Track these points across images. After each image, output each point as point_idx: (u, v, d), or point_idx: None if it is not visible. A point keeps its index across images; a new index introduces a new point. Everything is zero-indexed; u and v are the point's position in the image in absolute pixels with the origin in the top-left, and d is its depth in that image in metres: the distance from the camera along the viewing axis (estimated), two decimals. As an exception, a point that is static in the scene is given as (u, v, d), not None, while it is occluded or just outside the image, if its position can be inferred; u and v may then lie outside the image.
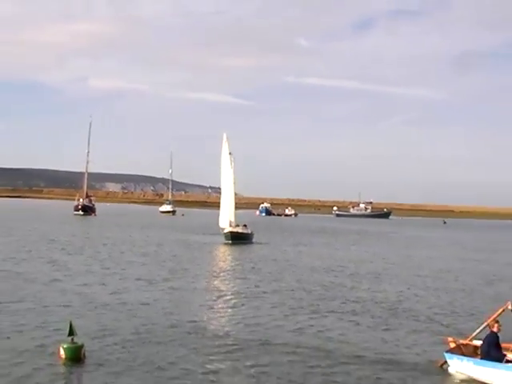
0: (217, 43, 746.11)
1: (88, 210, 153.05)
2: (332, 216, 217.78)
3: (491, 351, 20.83)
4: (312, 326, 29.50)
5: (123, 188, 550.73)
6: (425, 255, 72.01)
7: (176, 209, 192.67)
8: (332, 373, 21.41)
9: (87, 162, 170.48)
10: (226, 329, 28.33)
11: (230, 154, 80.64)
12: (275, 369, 21.70)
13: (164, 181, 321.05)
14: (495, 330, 21.05)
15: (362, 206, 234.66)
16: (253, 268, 53.00)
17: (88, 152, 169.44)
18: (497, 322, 21.21)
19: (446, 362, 21.77)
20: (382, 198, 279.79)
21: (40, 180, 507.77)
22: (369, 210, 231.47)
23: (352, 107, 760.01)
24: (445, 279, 49.50)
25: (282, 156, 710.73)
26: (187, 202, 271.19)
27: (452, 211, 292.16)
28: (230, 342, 25.39)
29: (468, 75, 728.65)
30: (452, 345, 22.26)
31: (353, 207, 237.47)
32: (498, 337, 21.13)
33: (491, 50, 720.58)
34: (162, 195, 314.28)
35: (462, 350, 21.82)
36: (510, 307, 21.22)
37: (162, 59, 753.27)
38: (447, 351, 21.88)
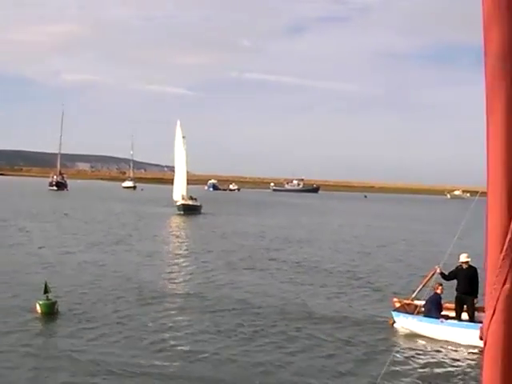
0: (173, 43, 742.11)
1: (61, 185, 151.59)
2: (269, 191, 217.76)
3: (433, 310, 20.99)
4: (253, 283, 29.77)
5: (92, 167, 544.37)
6: (349, 223, 73.01)
7: (136, 184, 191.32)
8: (288, 330, 21.21)
9: (60, 145, 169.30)
10: (176, 287, 28.60)
11: (183, 137, 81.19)
12: (228, 323, 21.81)
13: (126, 161, 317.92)
14: (439, 291, 21.09)
15: (295, 182, 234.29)
16: (200, 234, 53.61)
17: (61, 136, 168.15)
18: (440, 284, 21.23)
19: (394, 319, 21.67)
20: (312, 175, 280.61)
21: (20, 160, 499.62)
22: (301, 186, 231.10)
23: (288, 98, 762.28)
24: (369, 245, 50.01)
25: (228, 139, 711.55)
26: (146, 178, 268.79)
27: (373, 187, 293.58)
28: (182, 299, 25.56)
29: (384, 72, 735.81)
30: (397, 304, 22.18)
31: (287, 183, 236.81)
32: (440, 297, 21.24)
33: (404, 52, 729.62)
34: (124, 173, 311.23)
35: (406, 309, 21.77)
36: (438, 271, 21.22)
37: (127, 56, 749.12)
38: (394, 310, 21.86)
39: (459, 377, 17.32)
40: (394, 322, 21.65)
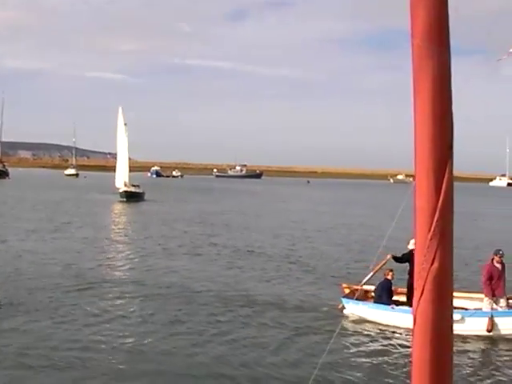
0: (114, 29, 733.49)
1: (2, 174, 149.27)
2: (212, 177, 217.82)
3: (383, 296, 20.92)
4: (196, 270, 29.64)
5: (34, 155, 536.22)
6: (290, 208, 73.40)
7: (79, 172, 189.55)
8: (227, 316, 21.03)
9: (0, 132, 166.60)
10: (115, 273, 28.38)
11: (124, 124, 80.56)
12: (165, 309, 21.68)
13: (69, 148, 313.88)
14: (389, 277, 21.08)
15: (237, 168, 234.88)
16: (141, 220, 53.33)
17: (1, 123, 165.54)
18: (391, 270, 21.17)
19: (343, 305, 21.50)
20: (256, 161, 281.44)
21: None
22: (243, 172, 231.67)
23: (230, 84, 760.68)
24: (310, 230, 50.32)
25: (171, 126, 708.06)
26: (89, 166, 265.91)
27: (315, 172, 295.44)
28: (120, 286, 25.32)
29: (327, 57, 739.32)
30: (346, 290, 21.94)
31: (230, 169, 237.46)
32: (391, 283, 21.21)
33: (346, 37, 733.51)
34: (67, 160, 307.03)
35: (356, 295, 21.30)
36: (388, 257, 21.25)
37: (69, 43, 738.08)
38: (343, 296, 21.63)
39: (410, 362, 17.44)
40: (343, 307, 21.53)
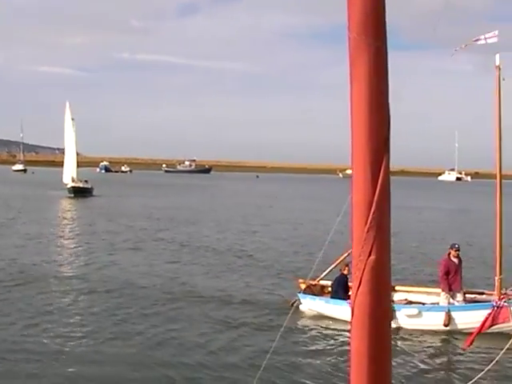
0: (62, 23, 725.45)
1: None
2: (162, 172, 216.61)
3: (340, 291, 20.71)
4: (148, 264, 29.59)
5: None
6: (238, 203, 73.43)
7: (27, 167, 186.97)
8: (174, 311, 20.91)
9: None
10: (59, 268, 27.99)
11: (72, 119, 79.65)
12: (110, 304, 21.50)
13: (17, 143, 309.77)
14: (346, 272, 20.76)
15: (187, 163, 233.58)
16: (88, 216, 52.83)
17: None
18: (347, 265, 20.74)
19: (298, 300, 21.11)
20: (205, 156, 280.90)
21: None
22: (193, 167, 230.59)
23: (180, 79, 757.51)
24: (256, 224, 50.37)
25: (120, 120, 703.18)
26: (37, 161, 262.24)
27: (265, 167, 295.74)
28: (64, 281, 25.08)
29: (279, 51, 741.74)
30: (303, 286, 21.63)
31: (179, 164, 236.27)
32: (347, 278, 20.81)
33: (299, 32, 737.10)
34: (15, 156, 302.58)
35: (312, 290, 21.43)
36: (349, 252, 21.14)
37: (16, 37, 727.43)
38: (300, 292, 21.39)
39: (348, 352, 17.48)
40: (294, 302, 21.11)
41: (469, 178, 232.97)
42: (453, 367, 16.56)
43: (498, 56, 20.18)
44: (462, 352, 17.53)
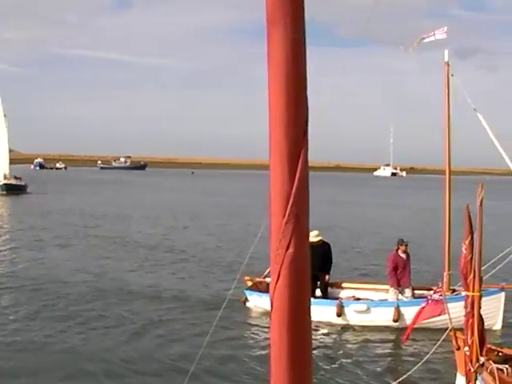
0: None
1: None
2: (97, 169, 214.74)
3: None
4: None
5: None
6: (172, 199, 73.21)
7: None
8: (110, 310, 20.60)
9: None
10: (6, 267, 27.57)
11: (4, 115, 78.41)
12: (36, 303, 21.14)
13: None
14: None
15: (122, 159, 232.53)
16: (19, 213, 52.47)
17: None
18: None
19: (246, 298, 21.18)
20: (141, 152, 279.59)
21: None
22: (128, 163, 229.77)
23: (116, 75, 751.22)
24: (185, 219, 50.38)
25: (55, 117, 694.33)
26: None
27: (200, 163, 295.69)
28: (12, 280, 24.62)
29: (215, 47, 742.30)
30: (249, 283, 21.52)
31: (114, 161, 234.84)
32: None
33: (235, 27, 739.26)
34: None
35: (259, 287, 21.25)
36: None
37: None
38: (247, 289, 21.27)
39: (318, 355, 17.13)
40: (246, 299, 21.23)
41: (404, 173, 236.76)
42: (402, 363, 16.70)
43: (446, 52, 20.40)
44: (411, 347, 17.72)
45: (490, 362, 13.28)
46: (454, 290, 20.17)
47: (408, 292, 20.22)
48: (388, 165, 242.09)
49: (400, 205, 73.16)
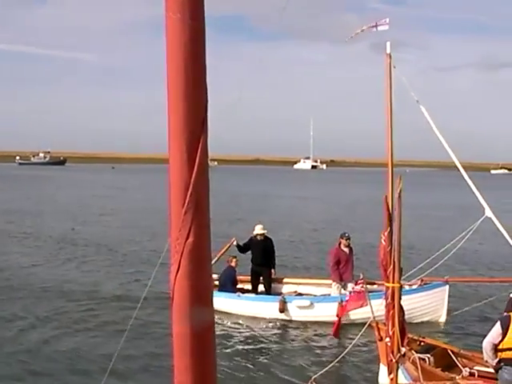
0: None
1: None
2: (15, 165, 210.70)
3: (228, 284, 20.38)
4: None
5: None
6: (91, 194, 72.54)
7: None
8: (18, 307, 20.23)
9: None
10: None
11: None
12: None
13: None
14: (233, 264, 20.59)
15: (41, 155, 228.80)
16: None
17: None
18: (234, 257, 20.69)
19: None
20: (60, 147, 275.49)
21: None
22: (47, 159, 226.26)
23: (31, 69, 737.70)
24: (94, 214, 49.95)
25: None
26: None
27: (121, 158, 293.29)
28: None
29: (134, 43, 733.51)
30: None
31: (33, 156, 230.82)
32: (235, 271, 20.72)
33: (152, 22, 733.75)
34: None
35: None
36: (234, 243, 20.91)
37: None
38: None
39: (257, 350, 17.39)
40: None
41: (324, 166, 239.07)
42: (345, 357, 16.78)
43: (388, 44, 20.54)
44: (355, 342, 17.80)
45: (413, 351, 13.61)
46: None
47: (351, 286, 20.20)
48: (308, 158, 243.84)
49: (321, 197, 73.98)
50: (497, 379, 11.55)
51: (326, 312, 19.53)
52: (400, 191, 11.75)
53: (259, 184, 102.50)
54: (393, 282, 12.22)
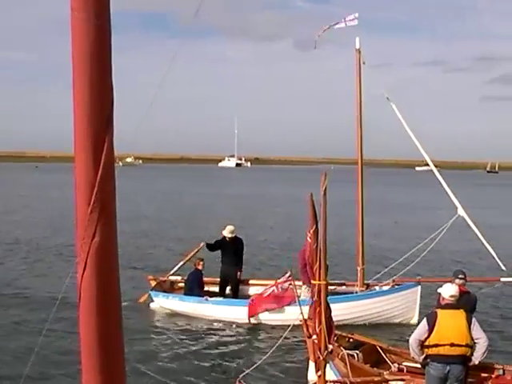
0: None
1: None
2: None
3: (194, 287, 20.19)
4: None
5: None
6: (15, 194, 71.43)
7: None
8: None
9: None
10: None
11: None
12: None
13: None
14: (200, 267, 20.37)
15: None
16: None
17: None
18: (201, 260, 20.43)
19: (148, 298, 20.61)
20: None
21: None
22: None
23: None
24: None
25: None
26: None
27: (44, 157, 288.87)
28: None
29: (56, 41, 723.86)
30: (153, 283, 20.92)
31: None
32: (202, 273, 20.51)
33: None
34: None
35: (163, 287, 20.78)
36: (201, 245, 20.71)
37: None
38: (152, 289, 20.59)
39: (225, 354, 17.18)
40: (146, 299, 20.71)
41: (248, 164, 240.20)
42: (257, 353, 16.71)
43: (358, 39, 20.53)
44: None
45: (341, 348, 13.76)
46: (368, 286, 20.45)
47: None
48: (233, 156, 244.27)
49: (243, 195, 74.14)
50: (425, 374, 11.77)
51: (295, 315, 19.50)
52: (325, 189, 11.77)
53: (176, 181, 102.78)
54: (319, 280, 12.30)
